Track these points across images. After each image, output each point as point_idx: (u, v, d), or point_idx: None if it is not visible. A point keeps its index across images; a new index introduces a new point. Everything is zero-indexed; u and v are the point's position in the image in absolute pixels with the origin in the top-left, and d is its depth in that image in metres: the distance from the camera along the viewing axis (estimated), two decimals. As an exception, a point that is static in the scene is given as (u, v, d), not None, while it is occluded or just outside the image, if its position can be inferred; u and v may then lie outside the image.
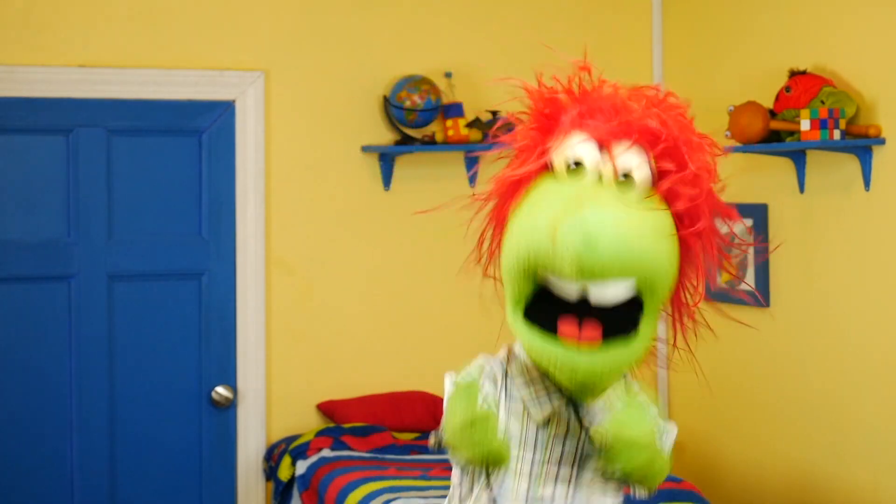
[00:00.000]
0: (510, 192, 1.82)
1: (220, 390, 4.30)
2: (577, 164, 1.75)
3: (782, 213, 4.12)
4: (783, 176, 4.10)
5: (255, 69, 4.32)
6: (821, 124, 3.68)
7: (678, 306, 1.86)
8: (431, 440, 1.84)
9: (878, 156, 3.73)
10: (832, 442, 3.94)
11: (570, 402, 1.82)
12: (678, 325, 1.87)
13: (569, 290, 1.69)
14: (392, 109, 4.34)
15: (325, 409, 4.36)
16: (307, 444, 4.11)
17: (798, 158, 4.00)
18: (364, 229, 4.44)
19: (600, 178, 1.74)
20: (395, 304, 4.47)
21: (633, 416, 1.69)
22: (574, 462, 1.81)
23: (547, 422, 1.80)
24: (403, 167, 4.45)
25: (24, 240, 4.11)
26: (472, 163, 4.40)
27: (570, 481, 1.81)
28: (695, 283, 1.86)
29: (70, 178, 4.13)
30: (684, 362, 1.90)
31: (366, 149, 4.41)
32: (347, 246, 4.44)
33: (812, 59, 3.93)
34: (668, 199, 1.76)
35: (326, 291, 4.42)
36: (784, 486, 4.15)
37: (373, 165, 4.45)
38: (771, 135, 3.93)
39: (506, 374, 1.83)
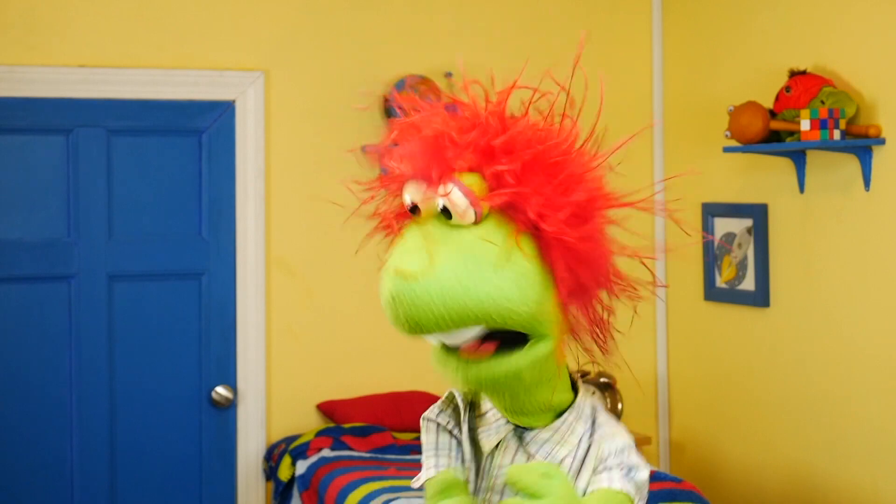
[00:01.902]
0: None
1: (220, 390, 4.30)
2: (413, 207, 1.77)
3: (782, 213, 4.12)
4: (783, 176, 4.10)
5: (255, 69, 4.32)
6: (821, 124, 3.68)
7: (590, 322, 1.77)
8: (414, 482, 1.87)
9: (878, 156, 3.73)
10: (832, 442, 3.94)
11: (515, 435, 1.79)
12: (593, 332, 1.79)
13: (431, 340, 1.75)
14: (392, 110, 4.34)
15: (325, 409, 4.36)
16: (307, 444, 4.11)
17: (798, 158, 4.00)
18: (364, 229, 4.43)
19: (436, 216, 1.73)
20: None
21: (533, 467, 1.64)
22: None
23: (494, 450, 1.81)
24: (403, 167, 4.45)
25: (24, 240, 4.11)
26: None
27: None
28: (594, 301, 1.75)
29: (70, 178, 4.13)
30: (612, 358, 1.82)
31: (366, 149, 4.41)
32: (347, 246, 4.43)
33: (812, 59, 3.93)
34: (513, 216, 1.69)
35: (326, 291, 4.42)
36: (784, 486, 4.15)
37: (373, 166, 4.45)
38: (771, 135, 3.93)
39: (465, 405, 1.86)
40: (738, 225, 4.31)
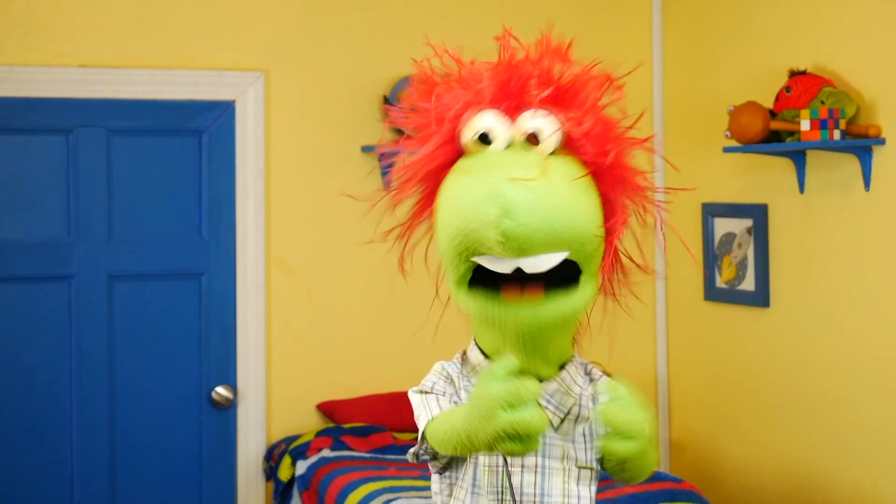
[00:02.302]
0: (428, 179, 1.83)
1: (220, 390, 4.30)
2: (485, 135, 1.75)
3: (782, 213, 4.12)
4: (783, 176, 4.10)
5: (255, 69, 4.32)
6: (821, 124, 3.68)
7: (610, 264, 1.85)
8: (409, 455, 1.86)
9: (878, 156, 3.73)
10: (832, 442, 3.94)
11: None
12: (613, 282, 1.87)
13: (502, 265, 1.70)
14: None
15: (325, 409, 4.36)
16: (307, 444, 4.12)
17: (798, 158, 4.00)
18: (364, 229, 4.43)
19: (510, 145, 1.76)
20: (396, 304, 4.47)
21: (626, 405, 1.71)
22: (539, 451, 1.81)
23: None
24: (403, 167, 4.45)
25: (24, 240, 4.11)
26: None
27: (536, 470, 1.81)
28: (620, 238, 1.84)
29: (70, 178, 4.13)
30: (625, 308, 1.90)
31: (366, 149, 4.41)
32: (347, 246, 4.44)
33: (812, 59, 3.93)
34: (579, 152, 1.77)
35: (326, 291, 4.42)
36: (784, 486, 4.15)
37: (373, 165, 4.45)
38: (771, 135, 3.93)
39: (462, 375, 1.86)
40: (738, 225, 4.31)
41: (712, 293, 4.47)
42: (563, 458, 1.82)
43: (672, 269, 4.65)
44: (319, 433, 4.17)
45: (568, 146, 1.77)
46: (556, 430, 1.82)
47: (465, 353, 1.91)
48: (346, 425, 4.24)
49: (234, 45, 4.32)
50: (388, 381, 4.45)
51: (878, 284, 3.75)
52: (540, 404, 1.63)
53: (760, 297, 4.20)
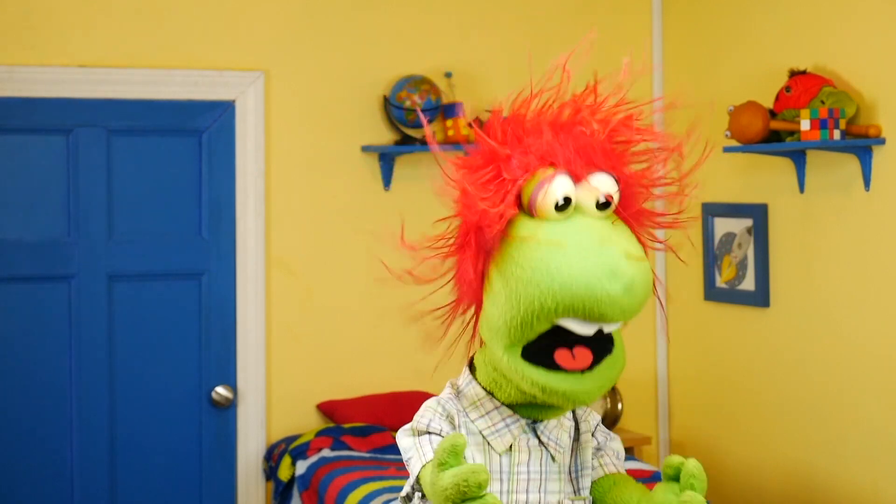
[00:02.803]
0: (479, 237, 1.80)
1: (220, 390, 4.30)
2: (566, 201, 1.75)
3: (782, 213, 4.12)
4: (783, 176, 4.10)
5: (255, 69, 4.32)
6: (821, 124, 3.68)
7: None
8: (400, 499, 1.87)
9: (878, 156, 3.73)
10: (832, 442, 3.94)
11: (528, 426, 1.86)
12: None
13: (587, 328, 1.74)
14: (392, 109, 4.34)
15: (325, 409, 4.36)
16: (307, 444, 4.11)
17: (798, 158, 4.00)
18: (364, 229, 4.44)
19: (577, 209, 1.77)
20: (396, 305, 4.46)
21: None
22: (540, 486, 1.85)
23: (509, 450, 1.84)
24: (403, 167, 4.45)
25: (24, 240, 4.11)
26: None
27: None
28: None
29: (70, 178, 4.13)
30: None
31: (366, 149, 4.41)
32: (347, 246, 4.44)
33: (812, 59, 3.93)
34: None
35: (326, 291, 4.42)
36: (784, 486, 4.15)
37: (373, 165, 4.46)
38: (771, 135, 3.93)
39: (460, 412, 1.86)
40: (738, 225, 4.31)
41: (712, 293, 4.47)
42: (559, 492, 1.86)
43: (672, 269, 4.66)
44: (319, 433, 4.17)
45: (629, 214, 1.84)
46: (555, 463, 1.87)
47: (454, 384, 1.91)
48: (346, 425, 4.24)
49: (234, 45, 4.31)
50: (388, 381, 4.45)
51: (878, 284, 3.75)
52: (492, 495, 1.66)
53: (760, 297, 4.20)
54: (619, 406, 4.56)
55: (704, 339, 4.56)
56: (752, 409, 4.30)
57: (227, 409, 4.32)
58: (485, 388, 1.86)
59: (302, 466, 4.04)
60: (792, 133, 3.87)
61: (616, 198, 1.78)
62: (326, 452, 4.07)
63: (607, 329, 1.75)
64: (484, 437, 1.84)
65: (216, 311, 4.30)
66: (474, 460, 1.83)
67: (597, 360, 1.76)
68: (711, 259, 4.46)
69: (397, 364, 4.43)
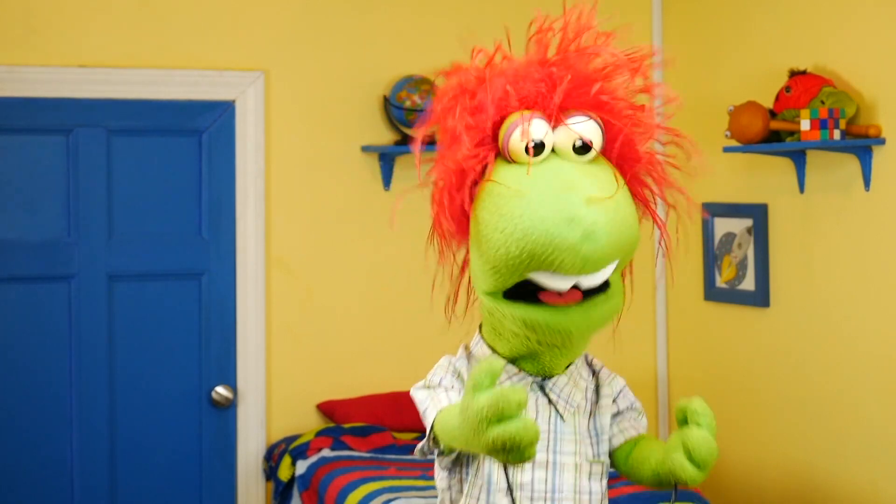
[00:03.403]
0: (460, 179, 1.79)
1: (220, 390, 4.30)
2: (537, 145, 1.72)
3: (782, 213, 4.12)
4: (783, 176, 4.10)
5: (255, 69, 4.32)
6: (821, 124, 3.68)
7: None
8: (417, 451, 1.85)
9: (878, 156, 3.73)
10: (832, 442, 3.94)
11: (536, 384, 1.83)
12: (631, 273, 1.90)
13: (562, 282, 1.69)
14: (392, 109, 4.34)
15: (325, 409, 4.36)
16: (307, 444, 4.11)
17: (798, 158, 4.00)
18: (364, 229, 4.44)
19: (553, 152, 1.74)
20: (396, 304, 4.47)
21: (711, 436, 1.74)
22: (548, 446, 1.81)
23: None
24: (403, 167, 4.45)
25: (24, 240, 4.11)
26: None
27: (546, 465, 1.81)
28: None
29: (70, 178, 4.13)
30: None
31: (366, 149, 4.41)
32: (347, 246, 4.44)
33: (812, 59, 3.93)
34: (609, 151, 1.79)
35: (326, 291, 4.42)
36: (784, 486, 4.15)
37: (373, 165, 4.46)
38: (771, 135, 3.93)
39: (469, 371, 1.84)
40: (738, 225, 4.31)
41: (712, 293, 4.47)
42: (574, 454, 1.82)
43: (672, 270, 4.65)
44: (319, 433, 4.17)
45: (610, 156, 1.79)
46: (566, 423, 1.83)
47: (467, 346, 1.90)
48: (346, 425, 4.24)
49: (234, 45, 4.32)
50: (388, 381, 4.45)
51: (877, 284, 3.75)
52: (529, 416, 1.59)
53: (760, 297, 4.20)
54: (619, 406, 4.55)
55: (704, 339, 4.56)
56: (752, 409, 4.30)
57: (227, 409, 4.32)
58: (490, 346, 1.84)
59: (302, 466, 4.04)
60: (792, 133, 3.87)
61: (598, 141, 1.74)
62: (326, 452, 4.07)
63: (585, 284, 1.70)
64: None
65: (216, 311, 4.30)
66: None
67: (587, 298, 1.73)
68: (711, 259, 4.46)
69: (397, 364, 4.43)
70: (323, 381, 4.41)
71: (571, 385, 1.83)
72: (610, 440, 1.87)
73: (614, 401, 1.88)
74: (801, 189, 4.02)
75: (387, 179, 4.44)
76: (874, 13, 3.75)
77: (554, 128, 1.73)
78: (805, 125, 3.71)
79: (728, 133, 3.96)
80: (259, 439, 4.33)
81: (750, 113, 3.91)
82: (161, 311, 4.25)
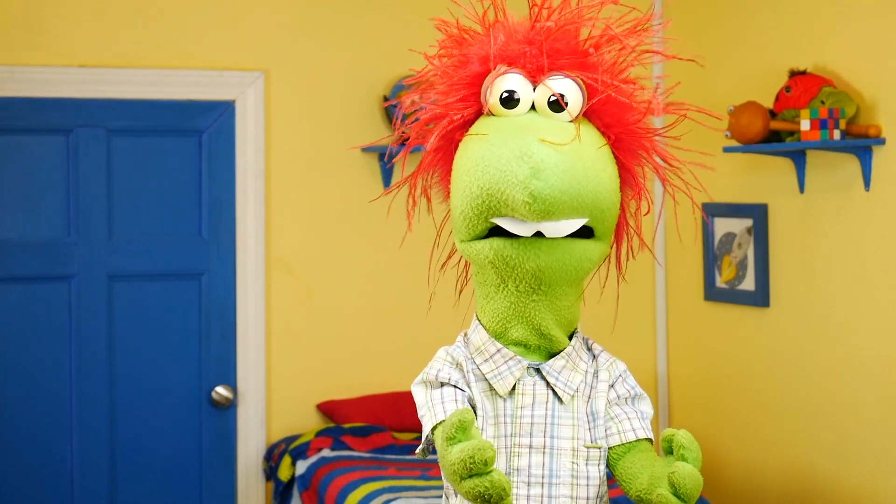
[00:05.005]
0: (447, 137, 1.85)
1: (220, 390, 4.30)
2: (509, 97, 1.76)
3: (782, 213, 4.12)
4: (783, 176, 4.10)
5: (255, 69, 4.32)
6: (821, 124, 3.68)
7: (621, 227, 1.89)
8: (419, 451, 1.85)
9: (878, 156, 3.73)
10: (832, 442, 3.94)
11: (532, 367, 1.82)
12: (622, 245, 1.91)
13: (523, 228, 1.72)
14: (392, 109, 4.35)
15: (325, 409, 4.36)
16: (307, 444, 4.12)
17: (798, 158, 4.00)
18: (364, 229, 4.44)
19: (533, 107, 1.78)
20: (396, 304, 4.47)
21: (697, 469, 1.71)
22: (546, 430, 1.81)
23: (511, 393, 1.81)
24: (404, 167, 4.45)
25: (24, 240, 4.11)
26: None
27: (544, 450, 1.80)
28: (635, 202, 1.88)
29: (70, 178, 4.13)
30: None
31: (366, 149, 4.41)
32: (347, 246, 4.44)
33: (812, 59, 3.93)
34: (598, 118, 1.80)
35: (326, 291, 4.43)
36: (784, 486, 4.15)
37: (373, 165, 4.46)
38: (771, 135, 3.93)
39: (468, 359, 1.85)
40: (738, 225, 4.31)
41: (712, 293, 4.47)
42: (571, 438, 1.82)
43: (672, 269, 4.66)
44: (319, 433, 4.17)
45: (587, 112, 1.79)
46: (565, 407, 1.82)
47: (466, 334, 1.90)
48: (346, 425, 4.24)
49: (234, 45, 4.32)
50: (388, 381, 4.45)
51: (877, 284, 3.75)
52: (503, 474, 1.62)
53: (760, 297, 4.20)
54: (619, 406, 4.55)
55: (704, 339, 4.56)
56: (752, 409, 4.30)
57: (227, 409, 4.32)
58: (485, 328, 1.85)
59: (302, 466, 4.05)
60: (792, 133, 3.87)
61: (575, 101, 1.76)
62: (326, 452, 4.07)
63: (549, 232, 1.71)
64: (488, 381, 1.82)
65: (216, 311, 4.30)
66: (483, 406, 1.81)
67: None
68: (711, 259, 4.46)
69: (397, 364, 4.43)
70: (323, 381, 4.41)
71: (570, 368, 1.83)
72: (606, 433, 1.85)
73: (612, 386, 1.87)
74: (801, 189, 4.02)
75: (387, 179, 4.44)
76: (874, 13, 3.75)
77: (535, 86, 1.77)
78: (805, 125, 3.71)
79: (728, 133, 3.96)
80: (259, 439, 4.34)
81: (750, 113, 3.91)
82: (161, 311, 4.25)
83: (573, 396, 1.83)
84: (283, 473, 4.13)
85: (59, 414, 4.14)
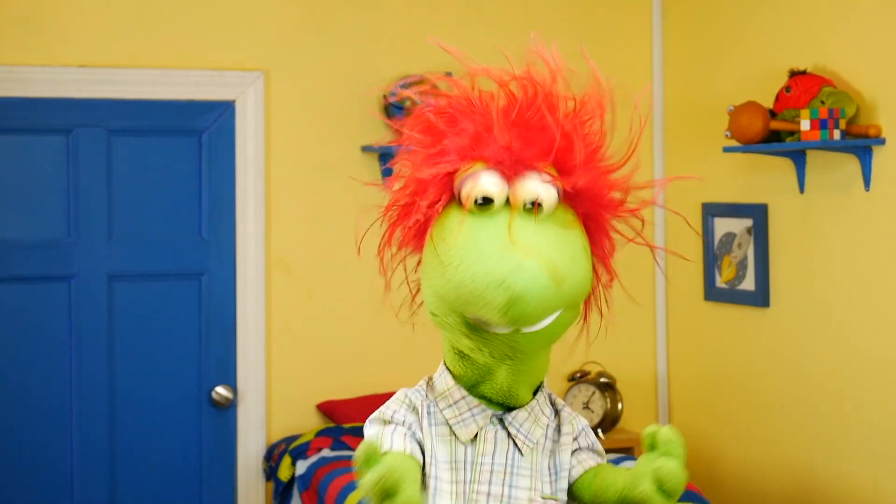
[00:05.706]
0: (423, 197, 1.82)
1: (220, 390, 4.30)
2: (485, 199, 1.74)
3: (782, 213, 4.12)
4: (783, 176, 4.10)
5: (255, 69, 4.32)
6: (821, 124, 3.68)
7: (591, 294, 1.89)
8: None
9: (878, 156, 3.73)
10: (832, 442, 3.94)
11: (496, 417, 1.84)
12: (591, 305, 1.90)
13: (498, 329, 1.72)
14: (392, 109, 4.34)
15: (325, 409, 4.36)
16: (307, 444, 4.12)
17: (798, 158, 4.00)
18: (363, 229, 4.43)
19: (507, 203, 1.74)
20: (396, 304, 4.46)
21: (682, 466, 1.71)
22: (505, 479, 1.82)
23: (474, 440, 1.83)
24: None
25: (24, 240, 4.11)
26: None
27: (501, 498, 1.81)
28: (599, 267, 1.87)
29: (70, 178, 4.13)
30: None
31: (366, 149, 4.41)
32: (347, 246, 4.43)
33: (812, 59, 3.93)
34: (572, 203, 1.78)
35: (326, 291, 4.42)
36: (784, 486, 4.15)
37: (373, 165, 4.46)
38: (771, 135, 3.93)
39: (427, 401, 1.86)
40: (738, 225, 4.31)
41: (712, 293, 4.47)
42: (529, 489, 1.83)
43: (672, 270, 4.66)
44: (319, 433, 4.17)
45: (562, 199, 1.77)
46: (524, 458, 1.84)
47: (430, 379, 1.91)
48: (346, 425, 4.24)
49: (234, 45, 4.32)
50: (388, 381, 4.45)
51: (877, 284, 3.75)
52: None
53: (760, 297, 4.20)
54: (619, 406, 4.55)
55: (704, 339, 4.56)
56: (752, 409, 4.30)
57: (227, 409, 4.32)
58: (451, 373, 1.86)
59: (302, 466, 4.05)
60: (792, 133, 3.87)
61: (549, 201, 1.73)
62: (326, 452, 4.07)
63: (527, 330, 1.71)
64: (450, 426, 1.83)
65: (216, 311, 4.30)
66: (437, 453, 1.81)
67: None
68: (711, 259, 4.46)
69: (397, 364, 4.43)
70: (323, 381, 4.41)
71: (532, 421, 1.85)
72: (570, 472, 1.87)
73: (575, 439, 1.89)
74: (801, 189, 4.02)
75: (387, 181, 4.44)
76: (874, 13, 3.75)
77: (511, 182, 1.74)
78: (805, 125, 3.71)
79: (728, 133, 3.96)
80: (259, 439, 4.34)
81: (750, 113, 3.91)
82: (161, 312, 4.25)
83: (532, 449, 1.84)
84: (283, 473, 4.13)
85: (59, 414, 4.14)
